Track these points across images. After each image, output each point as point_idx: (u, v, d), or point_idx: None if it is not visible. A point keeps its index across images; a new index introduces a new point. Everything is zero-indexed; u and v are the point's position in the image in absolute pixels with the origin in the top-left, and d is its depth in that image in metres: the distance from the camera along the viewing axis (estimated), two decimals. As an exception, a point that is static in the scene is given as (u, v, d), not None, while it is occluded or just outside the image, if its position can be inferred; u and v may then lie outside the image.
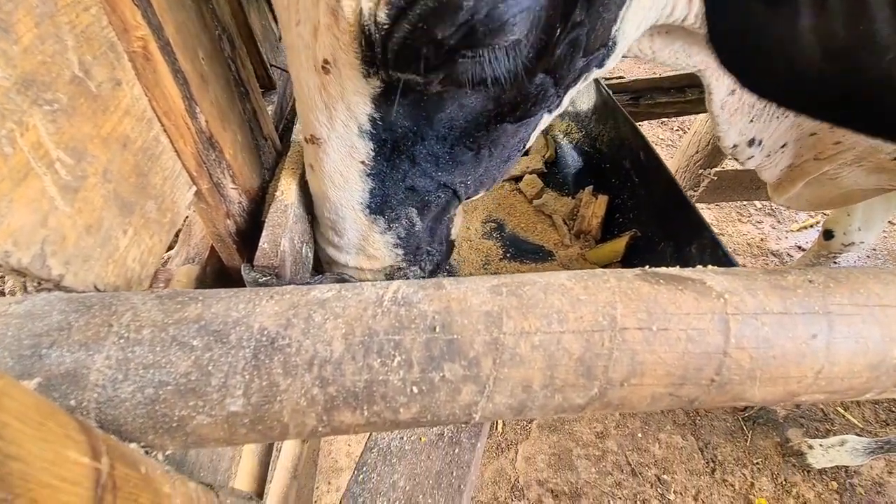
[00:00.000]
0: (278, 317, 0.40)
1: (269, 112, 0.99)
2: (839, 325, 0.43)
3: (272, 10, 1.15)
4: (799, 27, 0.58)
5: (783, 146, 1.19)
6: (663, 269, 0.47)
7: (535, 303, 0.42)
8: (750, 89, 0.76)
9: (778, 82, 0.63)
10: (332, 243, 0.85)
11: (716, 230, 3.15)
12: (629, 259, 1.05)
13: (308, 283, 0.65)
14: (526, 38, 0.54)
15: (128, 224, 0.54)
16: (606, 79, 1.97)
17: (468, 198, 0.86)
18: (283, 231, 0.74)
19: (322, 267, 0.92)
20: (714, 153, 2.55)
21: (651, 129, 3.81)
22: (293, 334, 0.39)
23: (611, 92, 1.98)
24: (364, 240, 0.82)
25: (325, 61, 0.59)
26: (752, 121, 1.04)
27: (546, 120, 0.77)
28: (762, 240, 2.96)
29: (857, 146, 1.09)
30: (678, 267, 0.90)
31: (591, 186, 1.21)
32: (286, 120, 1.12)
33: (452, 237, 0.97)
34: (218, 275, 0.82)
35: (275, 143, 0.95)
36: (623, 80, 1.98)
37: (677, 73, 1.99)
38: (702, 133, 2.55)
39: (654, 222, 1.01)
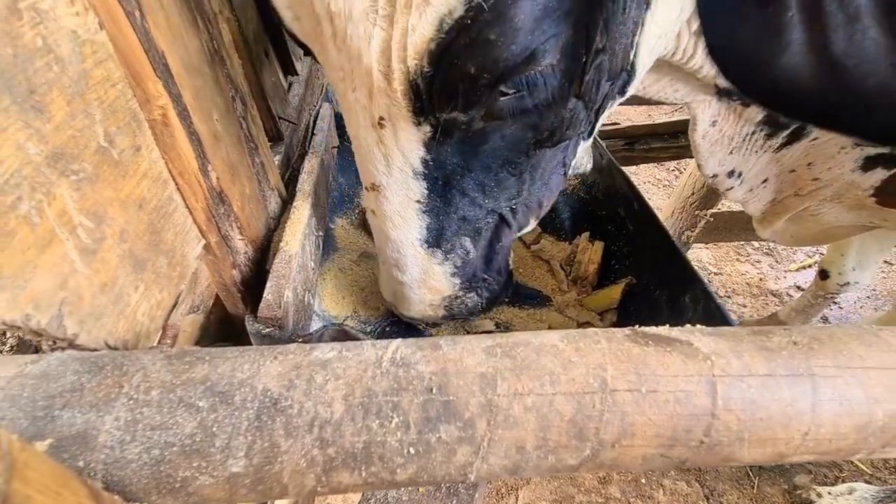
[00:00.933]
0: (281, 377, 0.42)
1: (276, 162, 1.03)
2: (823, 387, 0.44)
3: (283, 67, 1.21)
4: (793, 42, 0.60)
5: (764, 181, 1.23)
6: (652, 329, 0.49)
7: (528, 364, 0.44)
8: (750, 98, 0.79)
9: (776, 92, 0.67)
10: (396, 280, 0.91)
11: (714, 269, 3.18)
12: (625, 306, 1.07)
13: (309, 337, 0.66)
14: (557, 65, 0.59)
15: (140, 280, 0.56)
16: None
17: (520, 227, 0.91)
18: (286, 282, 0.76)
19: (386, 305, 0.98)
20: (709, 194, 2.60)
21: (647, 170, 3.90)
22: (295, 395, 0.41)
23: (605, 139, 2.05)
24: (425, 273, 0.89)
25: (381, 118, 0.67)
26: (731, 152, 1.09)
27: (582, 146, 0.83)
28: (761, 279, 2.98)
29: (835, 183, 1.13)
30: (673, 314, 0.91)
31: (588, 233, 1.24)
32: (292, 169, 1.16)
33: (511, 266, 1.04)
34: (222, 323, 0.83)
35: (281, 193, 0.99)
36: (618, 126, 2.06)
37: (671, 119, 2.07)
38: (696, 175, 2.61)
39: (649, 270, 1.04)
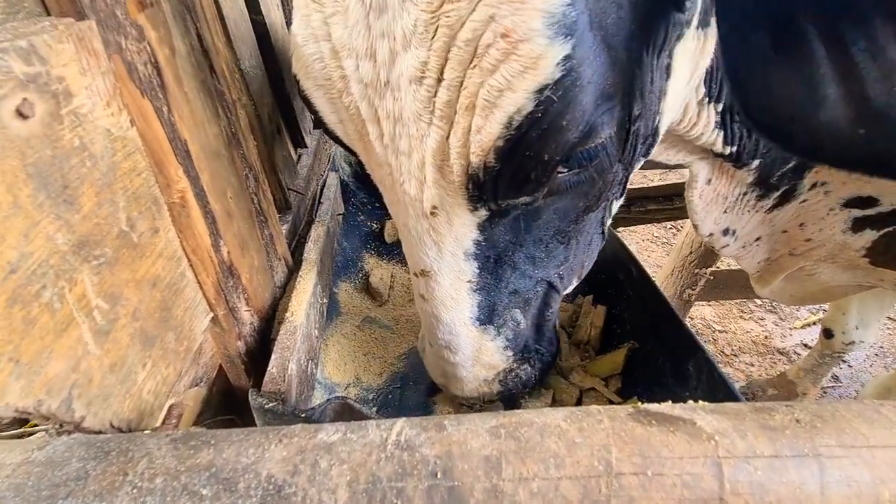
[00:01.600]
0: (286, 463, 0.42)
1: (284, 231, 1.07)
2: (830, 468, 0.44)
3: (293, 141, 1.28)
4: (829, 97, 0.62)
5: (757, 239, 1.25)
6: (655, 407, 0.49)
7: (532, 446, 0.44)
8: (794, 153, 0.80)
9: (821, 146, 0.68)
10: (448, 362, 0.89)
11: (718, 327, 3.15)
12: (630, 372, 1.06)
13: (312, 412, 0.66)
14: (610, 136, 0.63)
15: (148, 357, 0.57)
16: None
17: (565, 289, 0.92)
18: (291, 354, 0.76)
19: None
20: (708, 253, 2.64)
21: (646, 227, 3.97)
22: (299, 482, 0.41)
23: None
24: (478, 351, 0.88)
25: (434, 207, 0.69)
26: (725, 211, 1.13)
27: (616, 205, 0.87)
28: (766, 337, 2.94)
29: (827, 243, 1.15)
30: (678, 382, 0.91)
31: (591, 296, 1.26)
32: (299, 236, 1.20)
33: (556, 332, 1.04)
34: (224, 395, 0.83)
35: (287, 262, 1.01)
36: (613, 190, 2.13)
37: (665, 183, 2.14)
38: (693, 234, 2.66)
39: (652, 336, 1.04)
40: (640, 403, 0.51)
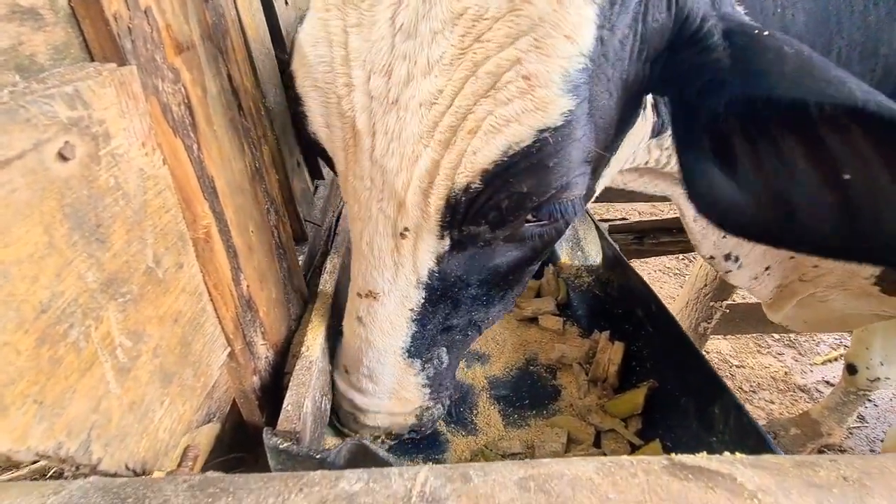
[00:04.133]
0: (307, 514, 0.40)
1: (300, 263, 1.07)
2: (883, 532, 0.41)
3: (311, 172, 1.30)
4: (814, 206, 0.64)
5: (767, 269, 1.23)
6: (690, 459, 0.47)
7: (563, 501, 0.42)
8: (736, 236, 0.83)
9: (741, 226, 0.69)
10: (363, 391, 0.90)
11: (736, 362, 3.06)
12: (651, 413, 1.02)
13: (327, 454, 0.64)
14: (580, 197, 0.70)
15: (166, 394, 0.56)
16: (610, 220, 2.11)
17: (482, 332, 0.96)
18: (307, 390, 0.75)
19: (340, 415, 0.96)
20: (723, 286, 2.60)
21: (658, 258, 3.94)
22: (321, 536, 0.39)
23: (615, 233, 2.11)
24: (399, 383, 0.89)
25: (406, 229, 0.73)
26: (724, 236, 1.12)
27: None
28: (786, 373, 2.86)
29: (836, 270, 1.13)
30: (703, 426, 0.87)
31: (608, 332, 1.23)
32: (314, 266, 1.20)
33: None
34: (236, 430, 0.81)
35: (303, 294, 1.01)
36: (627, 221, 2.12)
37: (677, 216, 2.14)
38: (708, 266, 2.63)
39: (673, 374, 1.01)
40: (673, 455, 0.48)
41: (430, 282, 0.78)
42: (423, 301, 0.80)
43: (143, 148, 0.50)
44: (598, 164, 0.74)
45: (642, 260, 3.75)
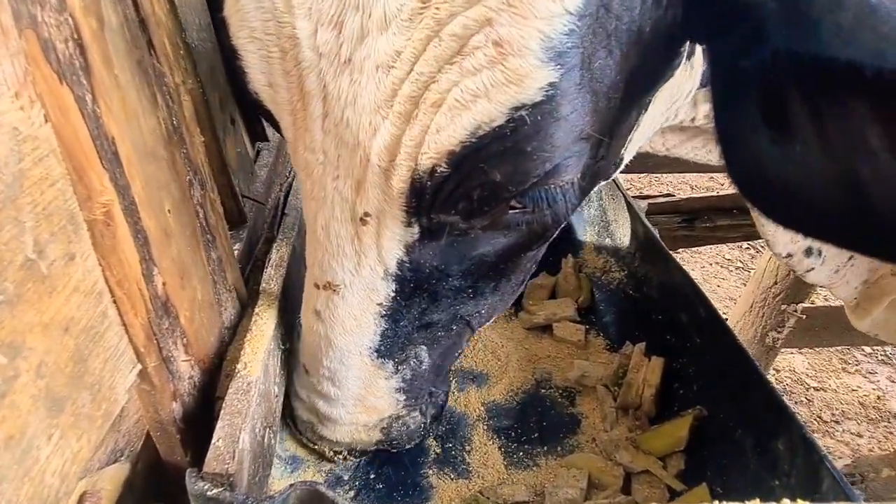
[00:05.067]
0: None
1: (237, 253, 1.08)
2: None
3: (250, 134, 1.30)
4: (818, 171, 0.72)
5: (851, 258, 1.27)
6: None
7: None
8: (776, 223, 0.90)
9: (799, 220, 0.77)
10: (324, 396, 0.98)
11: (814, 383, 3.12)
12: (696, 450, 1.05)
13: (271, 502, 0.66)
14: (573, 181, 0.74)
15: (54, 426, 0.57)
16: (651, 197, 2.13)
17: (480, 326, 1.04)
18: (244, 420, 0.77)
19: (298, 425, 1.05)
20: (799, 284, 2.64)
21: (713, 247, 3.98)
22: None
23: (656, 214, 2.13)
24: (366, 388, 0.97)
25: (366, 213, 0.78)
26: None
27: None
28: (879, 398, 2.92)
29: None
30: (763, 465, 0.90)
31: (643, 344, 1.25)
32: (255, 258, 1.20)
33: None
34: (152, 472, 0.82)
35: (240, 294, 1.02)
36: (672, 199, 2.14)
37: (739, 191, 2.16)
38: (779, 259, 2.66)
39: (727, 399, 1.03)
40: (716, 502, 0.50)
41: (400, 273, 0.84)
42: (392, 294, 0.86)
43: (17, 100, 0.49)
44: (615, 132, 0.78)
45: (693, 249, 3.79)
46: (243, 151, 1.20)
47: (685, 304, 1.18)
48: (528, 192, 0.72)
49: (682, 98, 0.91)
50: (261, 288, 1.04)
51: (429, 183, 0.71)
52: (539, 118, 0.64)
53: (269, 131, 1.39)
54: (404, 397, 1.00)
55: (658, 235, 1.30)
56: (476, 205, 0.73)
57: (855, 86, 0.58)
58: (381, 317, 0.89)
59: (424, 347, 0.98)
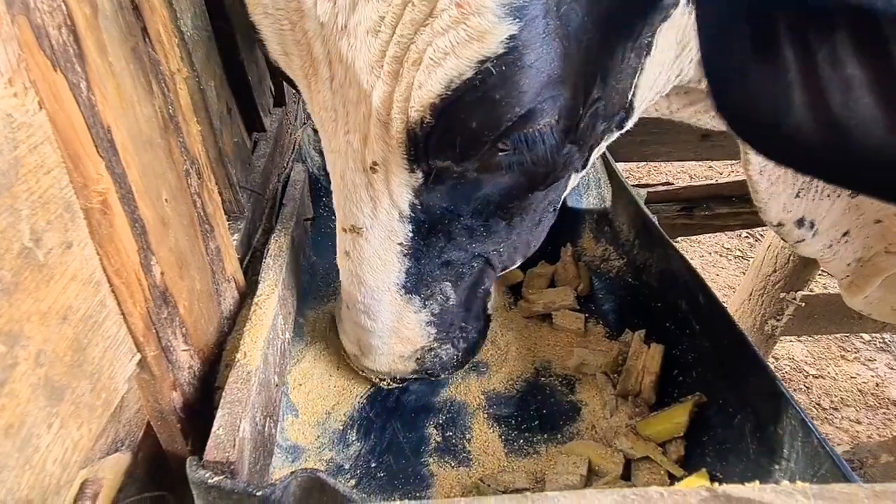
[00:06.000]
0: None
1: (235, 243, 1.07)
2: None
3: (247, 124, 1.29)
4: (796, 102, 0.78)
5: (845, 234, 1.28)
6: (736, 490, 0.49)
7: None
8: (765, 156, 0.95)
9: (785, 150, 0.82)
10: (364, 329, 1.10)
11: (813, 371, 3.13)
12: (696, 434, 1.05)
13: (272, 490, 0.66)
14: (555, 124, 0.79)
15: (54, 415, 0.57)
16: (650, 186, 2.13)
17: (504, 267, 1.12)
18: (244, 409, 0.77)
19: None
20: (798, 271, 2.64)
21: (713, 236, 3.98)
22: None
23: (656, 202, 2.13)
24: (398, 321, 1.08)
25: (374, 163, 0.88)
26: (797, 195, 1.18)
27: (574, 180, 1.07)
28: (878, 385, 2.93)
29: None
30: (763, 450, 0.90)
31: (643, 331, 1.26)
32: (254, 249, 1.20)
33: (489, 311, 1.26)
34: (153, 462, 0.83)
35: (239, 284, 1.02)
36: (672, 188, 2.14)
37: (738, 179, 2.15)
38: (778, 246, 2.66)
39: (726, 385, 1.03)
40: (717, 485, 0.50)
41: (413, 214, 0.94)
42: (410, 235, 0.96)
43: (11, 86, 0.49)
44: (605, 75, 0.82)
45: (693, 238, 3.79)
46: (240, 141, 1.20)
47: (684, 292, 1.18)
48: (507, 136, 0.77)
49: (690, 43, 0.92)
50: (260, 278, 1.04)
51: (419, 133, 0.78)
52: (504, 68, 0.70)
53: (267, 122, 1.39)
54: (435, 330, 1.11)
55: (657, 223, 1.30)
56: (462, 150, 0.80)
57: (838, 16, 0.63)
58: (404, 255, 0.99)
59: (449, 284, 1.07)
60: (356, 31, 0.75)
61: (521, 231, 1.05)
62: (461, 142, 0.79)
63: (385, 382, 1.21)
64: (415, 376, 1.18)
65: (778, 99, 0.72)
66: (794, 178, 1.17)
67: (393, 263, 1.00)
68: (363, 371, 1.21)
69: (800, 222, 1.21)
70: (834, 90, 0.70)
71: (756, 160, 1.13)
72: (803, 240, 1.23)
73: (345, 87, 0.82)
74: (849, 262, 1.31)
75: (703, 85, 0.98)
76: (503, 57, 0.69)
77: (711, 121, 1.13)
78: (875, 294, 1.36)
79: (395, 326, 1.08)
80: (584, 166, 1.02)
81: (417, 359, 1.14)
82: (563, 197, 1.10)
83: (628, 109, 0.94)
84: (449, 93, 0.73)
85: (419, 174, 0.87)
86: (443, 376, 1.21)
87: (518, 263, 1.14)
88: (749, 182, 1.17)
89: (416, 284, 1.03)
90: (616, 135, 1.01)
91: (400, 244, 0.97)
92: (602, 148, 1.03)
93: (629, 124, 0.99)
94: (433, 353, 1.14)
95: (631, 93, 0.91)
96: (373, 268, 1.00)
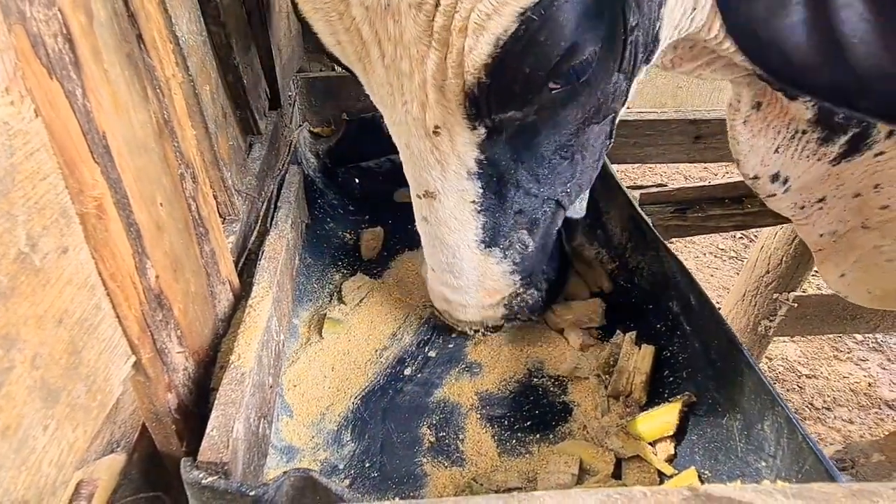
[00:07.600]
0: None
1: (230, 246, 1.08)
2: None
3: (242, 127, 1.30)
4: (799, 21, 0.85)
5: (821, 200, 1.29)
6: (718, 489, 0.50)
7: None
8: (766, 72, 1.00)
9: (789, 68, 0.89)
10: (449, 286, 1.18)
11: (806, 371, 3.15)
12: (686, 435, 1.06)
13: (265, 489, 0.67)
14: (600, 51, 0.84)
15: (50, 417, 0.58)
16: (644, 187, 2.14)
17: (571, 205, 1.19)
18: (237, 410, 0.77)
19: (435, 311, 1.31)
20: (791, 272, 2.65)
21: (708, 237, 4.00)
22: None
23: (650, 204, 2.14)
24: (482, 275, 1.15)
25: (437, 126, 0.93)
26: (777, 150, 1.22)
27: (621, 113, 1.11)
28: (870, 384, 2.95)
29: None
30: (751, 448, 0.91)
31: (634, 333, 1.27)
32: (248, 252, 1.21)
33: (567, 249, 1.35)
34: (148, 463, 0.83)
35: (233, 287, 1.03)
36: (665, 189, 2.15)
37: (731, 181, 2.17)
38: (771, 248, 2.68)
39: (715, 386, 1.05)
40: (697, 483, 0.51)
41: (481, 170, 0.99)
42: (481, 191, 1.02)
43: (7, 94, 0.50)
44: (641, 3, 0.86)
45: (687, 240, 3.80)
46: (235, 144, 1.21)
47: (676, 293, 1.20)
48: (558, 72, 0.83)
49: None
50: (254, 280, 1.04)
51: (477, 92, 0.84)
52: (543, 12, 0.75)
53: (262, 124, 1.40)
54: (518, 277, 1.17)
55: (651, 224, 1.31)
56: (520, 97, 0.86)
57: None
58: (478, 212, 1.04)
59: (525, 231, 1.12)
60: (399, 7, 0.80)
61: (584, 168, 1.10)
62: (519, 89, 0.84)
63: (479, 331, 1.29)
64: (505, 321, 1.25)
65: (782, 18, 0.78)
66: (774, 134, 1.21)
67: (469, 221, 1.05)
68: (457, 325, 1.28)
69: (774, 177, 1.24)
70: (836, 7, 0.75)
71: (744, 109, 1.17)
72: (774, 194, 1.26)
73: (396, 62, 0.87)
74: (821, 232, 1.32)
75: (711, 35, 1.04)
76: (540, 2, 0.74)
77: (712, 74, 1.17)
78: (852, 274, 1.36)
79: (479, 280, 1.14)
80: (626, 101, 1.06)
81: (505, 305, 1.21)
82: (614, 131, 1.14)
83: (655, 41, 0.98)
84: (498, 51, 0.78)
85: (481, 130, 0.92)
86: (534, 318, 1.29)
87: (584, 196, 1.22)
88: (730, 132, 1.21)
89: (493, 237, 1.09)
90: (644, 70, 1.05)
91: (472, 202, 1.02)
92: (640, 78, 1.07)
93: (654, 58, 1.03)
94: (519, 297, 1.21)
95: (658, 24, 0.95)
96: (451, 228, 1.05)
